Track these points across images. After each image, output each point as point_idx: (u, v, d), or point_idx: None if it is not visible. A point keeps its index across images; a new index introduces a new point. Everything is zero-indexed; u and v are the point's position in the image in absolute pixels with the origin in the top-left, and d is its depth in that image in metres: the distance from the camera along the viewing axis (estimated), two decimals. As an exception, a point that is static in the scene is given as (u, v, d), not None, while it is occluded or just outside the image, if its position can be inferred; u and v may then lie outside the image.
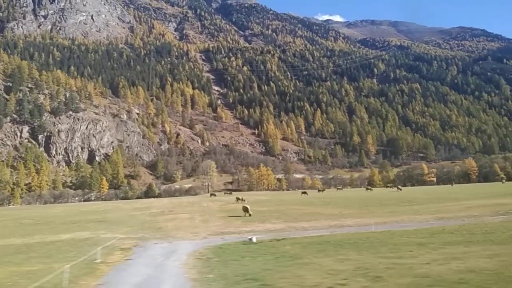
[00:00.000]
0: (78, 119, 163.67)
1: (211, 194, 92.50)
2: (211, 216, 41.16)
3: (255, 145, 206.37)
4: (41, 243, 25.24)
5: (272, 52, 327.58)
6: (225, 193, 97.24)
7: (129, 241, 25.31)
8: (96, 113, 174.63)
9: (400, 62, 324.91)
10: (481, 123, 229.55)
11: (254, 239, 22.82)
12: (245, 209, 39.61)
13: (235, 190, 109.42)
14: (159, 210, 51.98)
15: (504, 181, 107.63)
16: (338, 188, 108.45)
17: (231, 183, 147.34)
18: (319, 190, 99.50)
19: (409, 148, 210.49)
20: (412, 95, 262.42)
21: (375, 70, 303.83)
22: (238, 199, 63.95)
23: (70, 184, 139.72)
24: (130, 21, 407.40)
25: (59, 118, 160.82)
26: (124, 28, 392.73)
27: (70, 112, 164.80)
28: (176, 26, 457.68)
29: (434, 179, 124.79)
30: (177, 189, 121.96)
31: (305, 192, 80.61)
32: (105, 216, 45.04)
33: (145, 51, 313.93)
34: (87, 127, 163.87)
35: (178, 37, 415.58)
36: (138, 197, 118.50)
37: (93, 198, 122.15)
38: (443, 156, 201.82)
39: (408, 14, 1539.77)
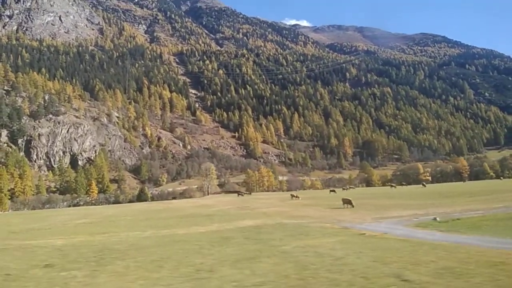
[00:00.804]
0: (59, 123, 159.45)
1: (238, 194, 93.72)
2: (316, 208, 41.86)
3: (236, 148, 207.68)
4: (241, 228, 25.14)
5: (246, 56, 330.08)
6: (238, 194, 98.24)
7: (321, 224, 25.63)
8: (77, 117, 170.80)
9: (370, 66, 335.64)
10: (450, 125, 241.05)
11: (438, 219, 23.93)
12: (348, 201, 40.62)
13: (233, 192, 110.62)
14: (234, 206, 51.92)
15: (502, 178, 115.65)
16: (350, 187, 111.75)
17: (220, 185, 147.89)
18: (343, 189, 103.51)
19: (384, 150, 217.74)
20: (384, 98, 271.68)
21: (347, 74, 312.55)
22: (292, 196, 66.16)
23: (54, 189, 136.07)
24: (99, 22, 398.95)
25: (39, 122, 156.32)
26: (93, 29, 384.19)
27: (50, 116, 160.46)
28: (146, 29, 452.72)
29: (430, 178, 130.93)
30: (170, 192, 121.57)
31: (333, 190, 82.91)
32: (191, 212, 44.81)
33: (117, 54, 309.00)
34: (68, 130, 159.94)
35: (148, 40, 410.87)
36: (130, 201, 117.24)
37: (82, 203, 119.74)
38: (416, 157, 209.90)
39: (373, 20, 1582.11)
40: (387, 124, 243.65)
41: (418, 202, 40.36)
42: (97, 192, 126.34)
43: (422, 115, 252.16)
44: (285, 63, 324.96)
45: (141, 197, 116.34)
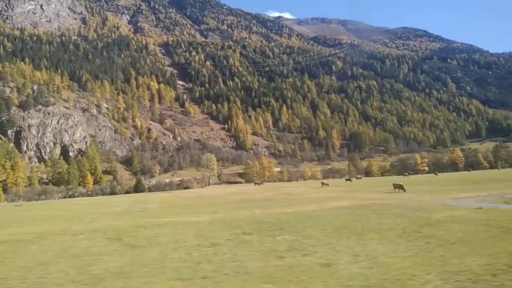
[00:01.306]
0: (49, 114, 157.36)
1: (255, 183, 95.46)
2: (366, 193, 42.71)
3: (226, 140, 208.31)
4: (347, 207, 25.82)
5: (233, 47, 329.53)
6: (255, 183, 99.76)
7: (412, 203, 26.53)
8: (67, 107, 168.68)
9: (355, 60, 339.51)
10: (434, 118, 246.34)
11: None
12: (399, 186, 41.81)
13: (233, 183, 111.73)
14: (275, 193, 53.03)
15: (499, 168, 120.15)
16: (357, 177, 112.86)
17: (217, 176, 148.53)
18: (357, 178, 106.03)
19: (371, 141, 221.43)
20: (370, 91, 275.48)
21: (333, 67, 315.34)
22: (323, 183, 68.89)
23: (46, 181, 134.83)
24: (82, 12, 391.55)
25: (28, 112, 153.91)
26: (75, 19, 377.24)
27: (40, 106, 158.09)
28: (129, 19, 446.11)
29: (427, 168, 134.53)
30: (167, 183, 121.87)
31: (349, 179, 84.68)
32: (244, 198, 45.47)
33: (102, 44, 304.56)
34: (58, 121, 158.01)
35: (132, 30, 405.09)
36: (126, 192, 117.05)
37: (77, 194, 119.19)
38: (402, 149, 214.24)
39: (356, 14, 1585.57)
40: (373, 116, 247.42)
41: (462, 187, 41.66)
42: (92, 183, 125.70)
43: (406, 107, 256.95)
44: (271, 55, 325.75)
45: (138, 188, 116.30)
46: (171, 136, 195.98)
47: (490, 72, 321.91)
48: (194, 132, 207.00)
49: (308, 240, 13.17)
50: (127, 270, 10.21)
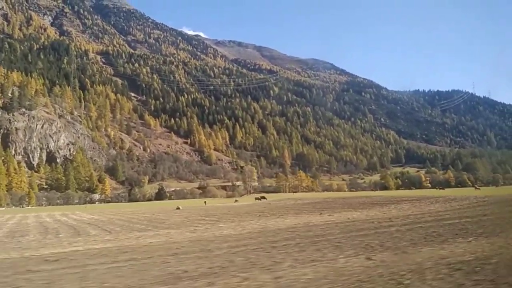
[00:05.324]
0: (33, 118, 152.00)
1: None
2: None
3: (191, 154, 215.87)
4: None
5: (175, 63, 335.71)
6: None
7: None
8: (48, 113, 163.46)
9: (286, 86, 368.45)
10: (363, 144, 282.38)
11: None
12: None
13: (268, 191, 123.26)
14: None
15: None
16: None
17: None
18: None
19: (317, 162, 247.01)
20: (306, 117, 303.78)
21: (271, 92, 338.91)
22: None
23: (45, 186, 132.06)
24: (2, 7, 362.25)
25: (13, 115, 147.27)
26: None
27: (23, 109, 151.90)
28: (52, 21, 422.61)
29: (429, 184, 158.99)
30: (188, 191, 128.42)
31: (478, 188, 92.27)
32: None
33: (38, 46, 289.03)
34: (42, 126, 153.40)
35: (58, 33, 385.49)
36: (148, 199, 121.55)
37: (96, 200, 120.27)
38: (342, 170, 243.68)
39: (269, 41, 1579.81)
40: (312, 140, 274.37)
41: None
42: (109, 190, 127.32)
43: (339, 134, 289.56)
44: (212, 75, 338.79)
45: (161, 196, 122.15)
46: (141, 148, 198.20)
47: (399, 107, 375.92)
48: (160, 145, 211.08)
49: None
50: None
